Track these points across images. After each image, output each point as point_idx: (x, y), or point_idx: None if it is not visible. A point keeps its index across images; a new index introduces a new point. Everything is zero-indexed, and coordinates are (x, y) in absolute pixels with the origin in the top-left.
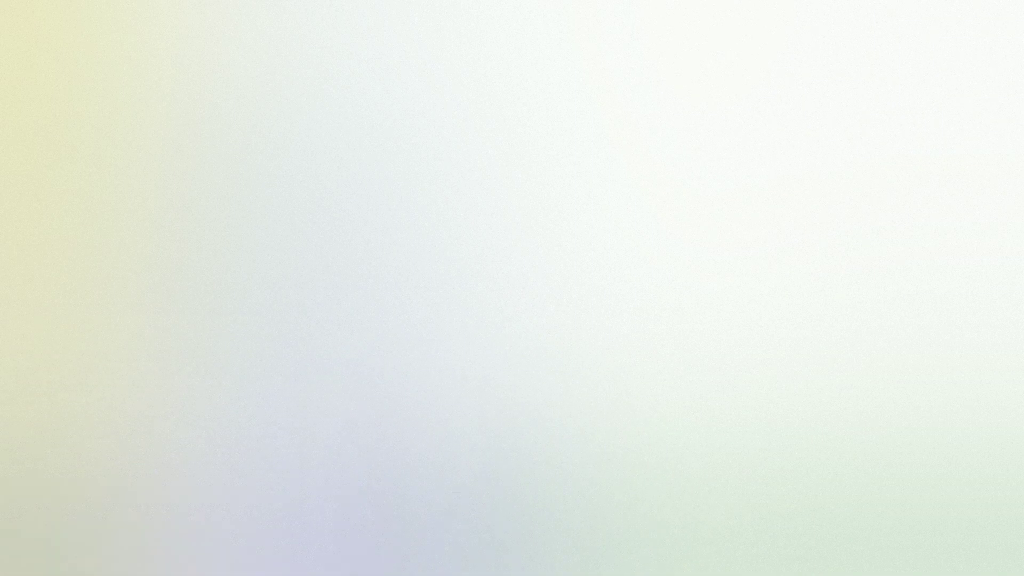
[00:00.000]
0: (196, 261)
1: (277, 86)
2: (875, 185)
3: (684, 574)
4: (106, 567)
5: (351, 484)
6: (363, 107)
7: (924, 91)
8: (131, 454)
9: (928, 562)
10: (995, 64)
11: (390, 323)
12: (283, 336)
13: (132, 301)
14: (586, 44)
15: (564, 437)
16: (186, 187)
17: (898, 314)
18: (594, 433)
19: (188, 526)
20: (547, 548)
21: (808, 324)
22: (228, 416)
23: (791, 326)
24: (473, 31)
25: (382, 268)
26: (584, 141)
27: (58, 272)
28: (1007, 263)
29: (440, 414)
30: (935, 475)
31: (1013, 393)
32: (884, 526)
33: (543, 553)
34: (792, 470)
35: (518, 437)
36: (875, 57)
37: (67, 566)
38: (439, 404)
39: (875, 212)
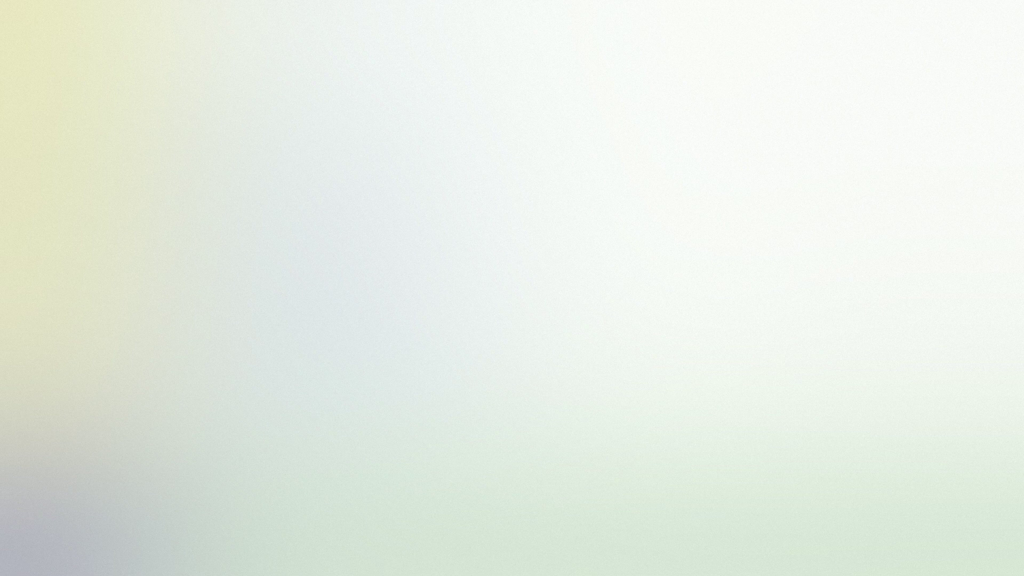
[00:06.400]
0: (193, 262)
1: (276, 85)
2: (874, 189)
3: (683, 574)
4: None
5: (351, 481)
6: (363, 106)
7: (927, 98)
8: (131, 449)
9: (929, 563)
10: (996, 73)
11: (388, 323)
12: (280, 337)
13: (130, 297)
14: (586, 47)
15: (562, 436)
16: (183, 186)
17: (897, 317)
18: (592, 432)
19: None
20: (545, 547)
21: (807, 326)
22: (227, 412)
23: (790, 328)
24: (473, 31)
25: (380, 268)
26: (584, 144)
27: (55, 276)
28: (1007, 267)
29: (438, 413)
30: (933, 476)
31: (1012, 396)
32: (883, 526)
33: (541, 552)
34: (789, 471)
35: (515, 436)
36: (877, 63)
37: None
38: (436, 403)
39: (875, 216)
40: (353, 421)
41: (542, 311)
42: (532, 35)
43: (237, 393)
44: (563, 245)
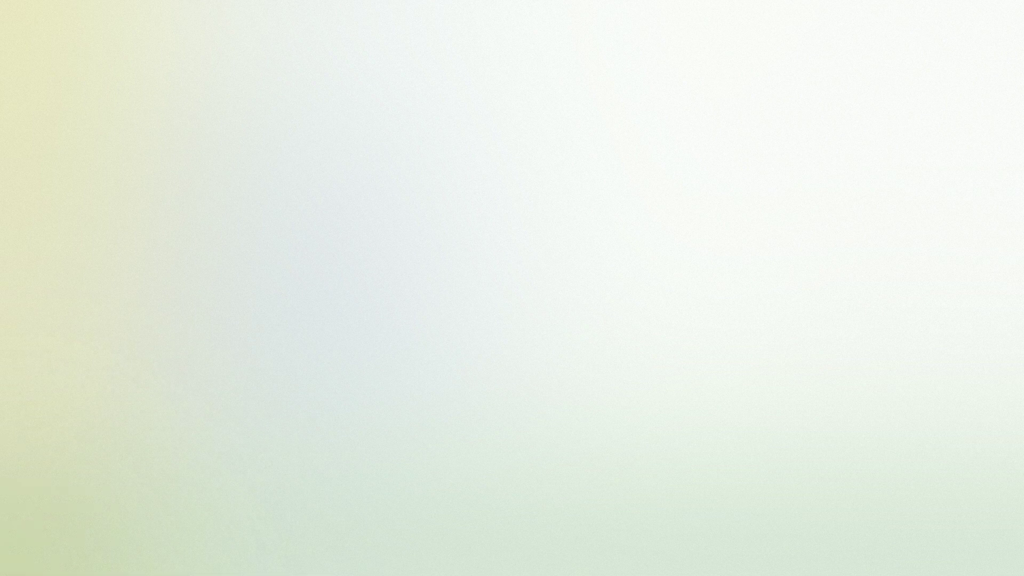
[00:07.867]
0: (193, 262)
1: (275, 85)
2: (875, 190)
3: (683, 574)
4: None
5: (351, 481)
6: (363, 106)
7: (927, 100)
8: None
9: (929, 563)
10: (996, 73)
11: (388, 323)
12: (280, 337)
13: (130, 297)
14: (586, 47)
15: (562, 436)
16: (183, 186)
17: (898, 317)
18: (592, 432)
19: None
20: (545, 547)
21: (808, 327)
22: (224, 417)
23: (790, 329)
24: (473, 31)
25: (380, 268)
26: (584, 144)
27: (55, 276)
28: (1007, 268)
29: (438, 413)
30: (933, 476)
31: (1012, 396)
32: (883, 527)
33: (541, 552)
34: (789, 471)
35: (515, 436)
36: (878, 65)
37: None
38: (436, 403)
39: (876, 217)
40: (353, 421)
41: (542, 311)
42: (532, 35)
43: (237, 393)
44: (563, 245)
